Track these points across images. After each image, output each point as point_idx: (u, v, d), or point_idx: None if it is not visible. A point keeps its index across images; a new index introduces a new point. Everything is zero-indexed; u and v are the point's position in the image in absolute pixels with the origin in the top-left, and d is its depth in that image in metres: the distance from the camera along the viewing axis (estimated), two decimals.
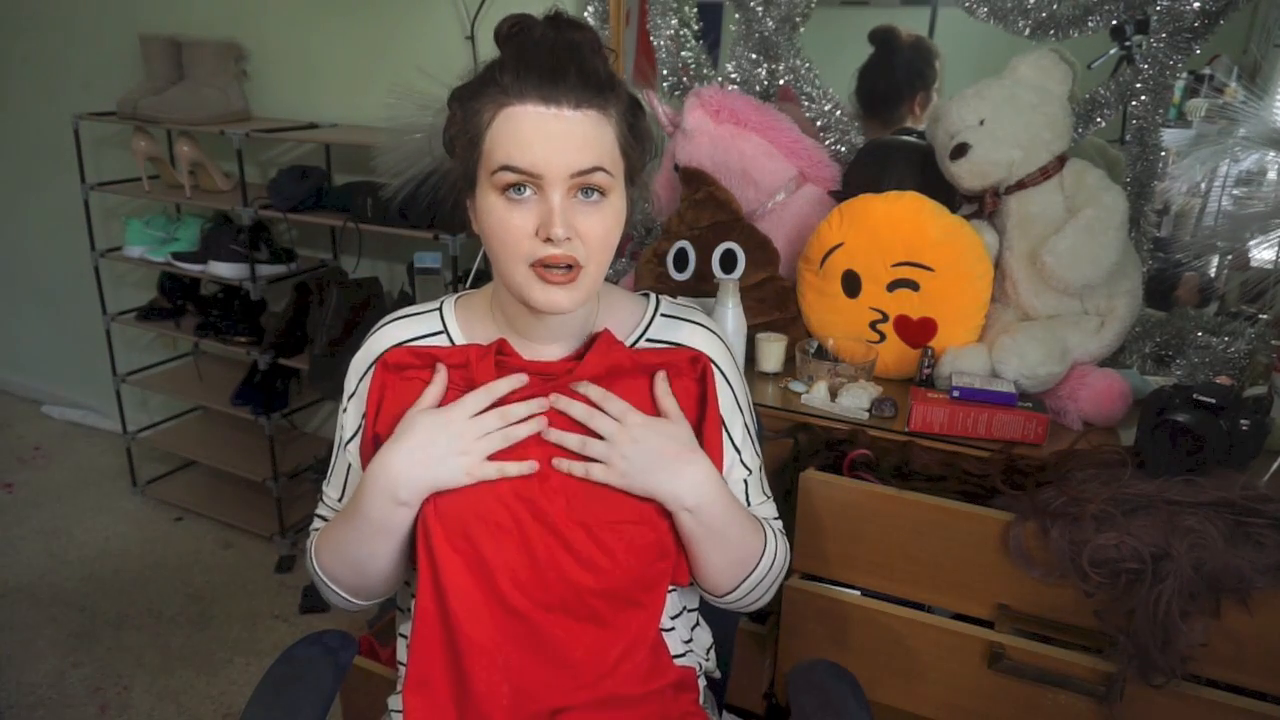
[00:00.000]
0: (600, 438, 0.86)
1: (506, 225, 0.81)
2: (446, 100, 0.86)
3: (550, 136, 0.78)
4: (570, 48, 0.80)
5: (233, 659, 2.04)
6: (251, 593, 2.28)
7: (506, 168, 0.79)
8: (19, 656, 2.04)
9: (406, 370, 0.90)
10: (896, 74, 1.68)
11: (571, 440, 0.86)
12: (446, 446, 0.83)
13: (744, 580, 0.93)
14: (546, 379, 0.89)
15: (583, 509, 0.86)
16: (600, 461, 0.86)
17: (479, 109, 0.81)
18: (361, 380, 0.93)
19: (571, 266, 0.81)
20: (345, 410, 0.96)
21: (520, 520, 0.86)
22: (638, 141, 0.86)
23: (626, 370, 0.90)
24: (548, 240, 0.79)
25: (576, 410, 0.87)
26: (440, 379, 0.88)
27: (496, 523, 0.85)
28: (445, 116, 0.87)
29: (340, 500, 0.98)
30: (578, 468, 0.86)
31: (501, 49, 0.82)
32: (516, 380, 0.87)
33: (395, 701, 1.00)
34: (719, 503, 0.88)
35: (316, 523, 1.01)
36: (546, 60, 0.79)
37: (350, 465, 0.96)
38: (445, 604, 0.85)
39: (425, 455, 0.83)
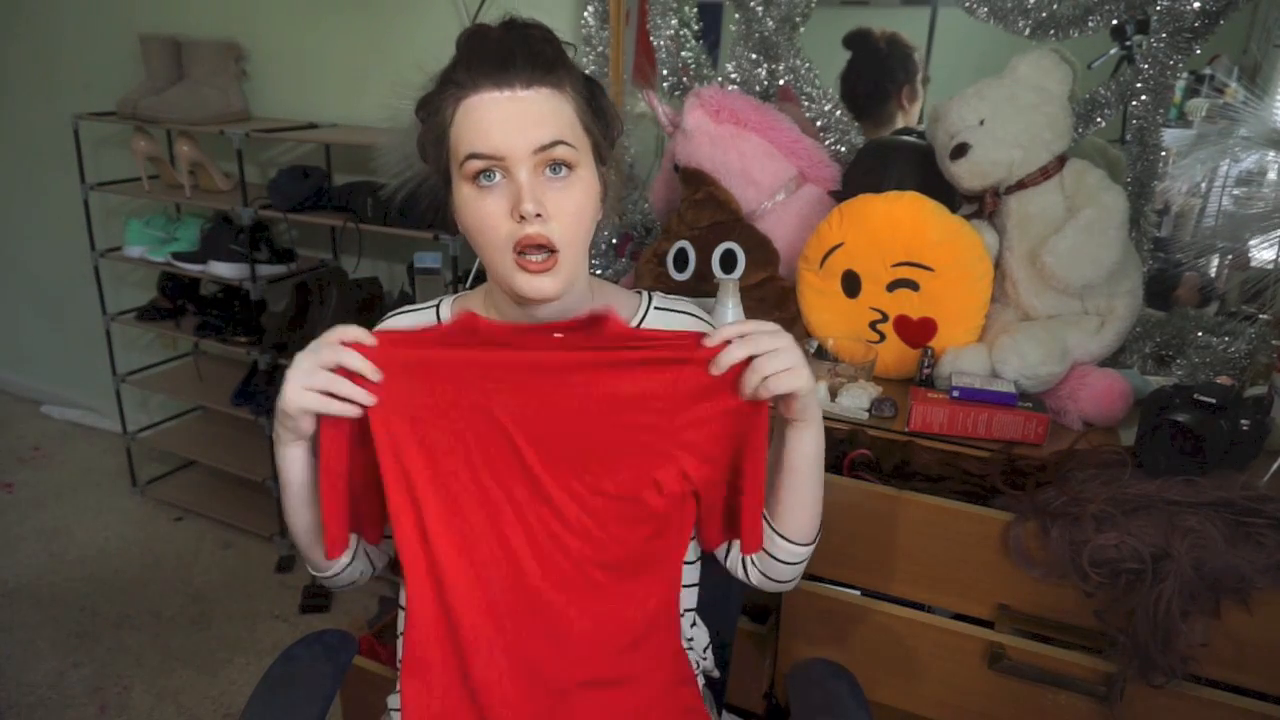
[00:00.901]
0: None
1: (481, 213, 0.83)
2: (415, 111, 0.89)
3: (507, 117, 0.81)
4: (519, 38, 0.83)
5: (233, 659, 2.04)
6: (251, 593, 2.28)
7: (471, 155, 0.82)
8: (19, 656, 2.04)
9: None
10: (877, 73, 1.68)
11: (780, 362, 0.80)
12: (305, 367, 0.82)
13: (819, 524, 0.94)
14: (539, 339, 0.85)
15: (570, 477, 0.86)
16: (787, 370, 0.81)
17: (440, 107, 0.85)
18: None
19: (550, 250, 0.83)
20: None
21: (511, 493, 0.86)
22: (599, 119, 0.88)
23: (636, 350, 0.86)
24: (521, 219, 0.81)
25: (728, 330, 0.82)
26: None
27: (488, 497, 0.85)
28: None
29: None
30: (783, 382, 0.80)
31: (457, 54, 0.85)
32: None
33: (395, 701, 1.00)
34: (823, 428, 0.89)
35: None
36: (495, 50, 0.82)
37: None
38: (440, 581, 0.85)
39: (291, 373, 0.83)
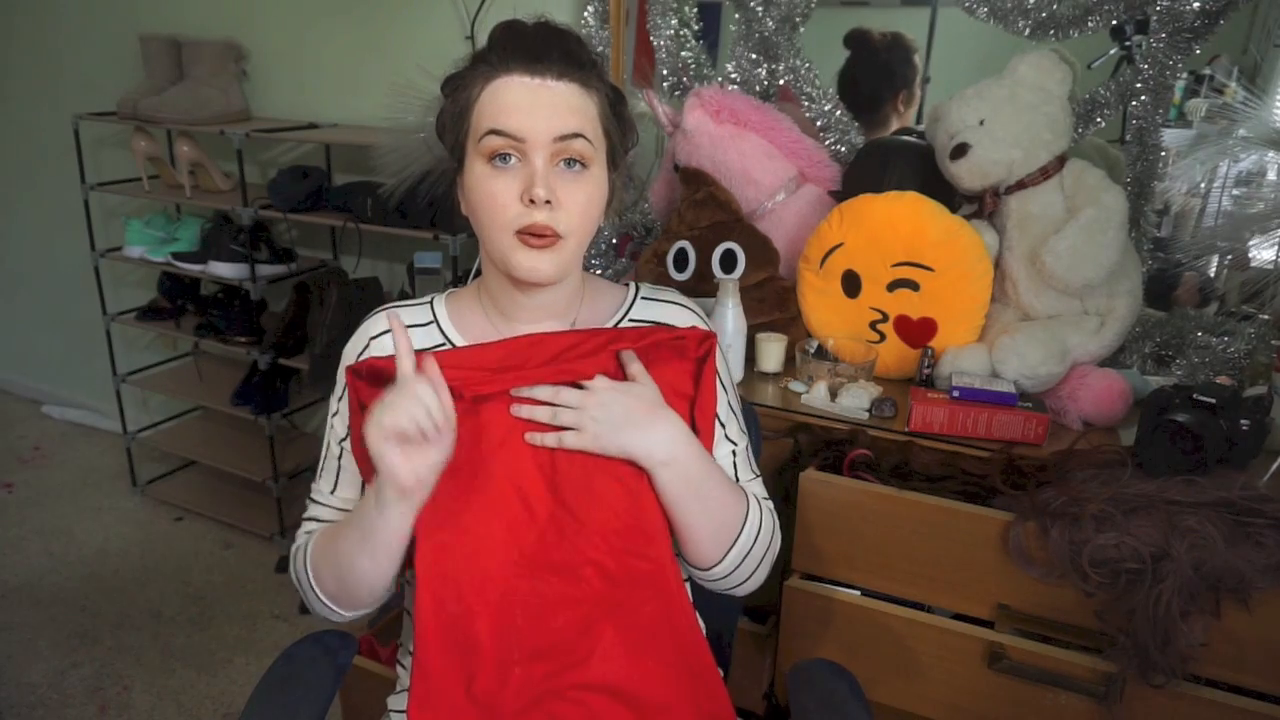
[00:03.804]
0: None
1: (491, 192, 0.83)
2: (439, 89, 0.90)
3: (535, 103, 0.83)
4: (555, 35, 0.85)
5: (233, 659, 2.04)
6: (251, 593, 2.28)
7: (493, 131, 0.83)
8: (19, 656, 2.04)
9: (386, 380, 0.86)
10: (874, 75, 1.68)
11: (541, 413, 0.87)
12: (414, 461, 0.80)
13: (730, 549, 0.92)
14: (549, 363, 0.89)
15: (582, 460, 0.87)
16: (572, 429, 0.86)
17: (467, 84, 0.86)
18: None
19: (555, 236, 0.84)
20: (340, 398, 0.94)
21: (523, 491, 0.86)
22: (619, 124, 0.90)
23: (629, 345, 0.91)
24: (531, 203, 0.82)
25: (541, 392, 0.87)
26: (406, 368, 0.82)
27: (496, 495, 0.86)
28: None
29: (333, 493, 0.97)
30: (550, 438, 0.86)
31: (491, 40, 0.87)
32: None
33: (395, 701, 1.00)
34: (694, 458, 0.88)
35: (307, 525, 0.99)
36: (532, 38, 0.84)
37: (342, 468, 0.95)
38: (447, 578, 0.85)
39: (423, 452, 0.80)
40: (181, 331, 2.48)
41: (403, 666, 1.02)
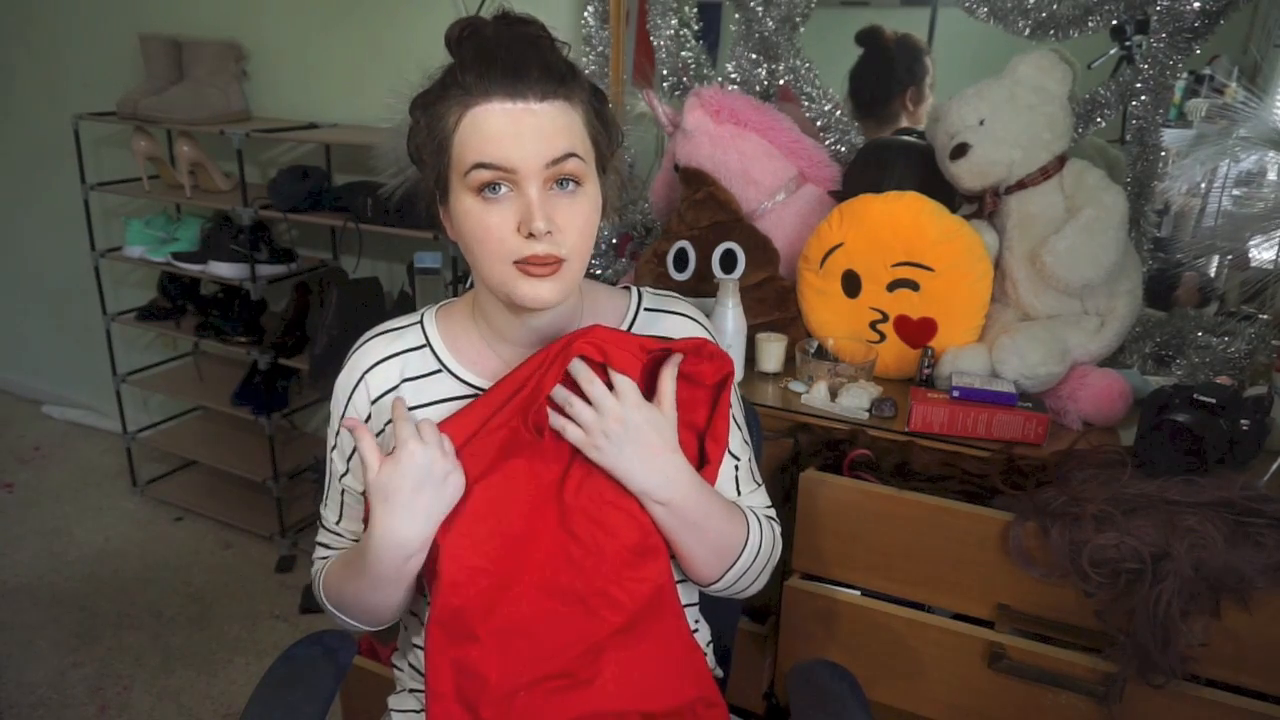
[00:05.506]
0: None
1: (485, 225, 0.80)
2: (408, 110, 0.85)
3: (521, 130, 0.78)
4: (527, 42, 0.80)
5: (233, 659, 2.05)
6: (251, 593, 2.28)
7: (480, 165, 0.78)
8: (19, 656, 2.04)
9: None
10: (885, 73, 1.69)
11: (559, 393, 0.85)
12: (433, 493, 0.81)
13: (728, 570, 0.92)
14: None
15: (591, 490, 0.87)
16: (580, 429, 0.84)
17: (443, 113, 0.80)
18: (349, 403, 0.92)
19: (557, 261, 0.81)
20: (337, 433, 0.94)
21: (532, 516, 0.86)
22: (605, 128, 0.86)
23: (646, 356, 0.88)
24: (530, 236, 0.79)
25: (581, 373, 0.84)
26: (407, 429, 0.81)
27: (507, 525, 0.85)
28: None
29: (338, 523, 0.97)
30: (557, 420, 0.85)
31: (457, 52, 0.81)
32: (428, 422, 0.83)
33: (395, 701, 1.00)
34: (691, 498, 0.88)
35: (321, 551, 0.99)
36: (507, 56, 0.78)
37: (345, 503, 0.96)
38: (454, 595, 0.85)
39: (415, 507, 0.81)
40: (181, 331, 2.49)
41: (399, 669, 1.02)
